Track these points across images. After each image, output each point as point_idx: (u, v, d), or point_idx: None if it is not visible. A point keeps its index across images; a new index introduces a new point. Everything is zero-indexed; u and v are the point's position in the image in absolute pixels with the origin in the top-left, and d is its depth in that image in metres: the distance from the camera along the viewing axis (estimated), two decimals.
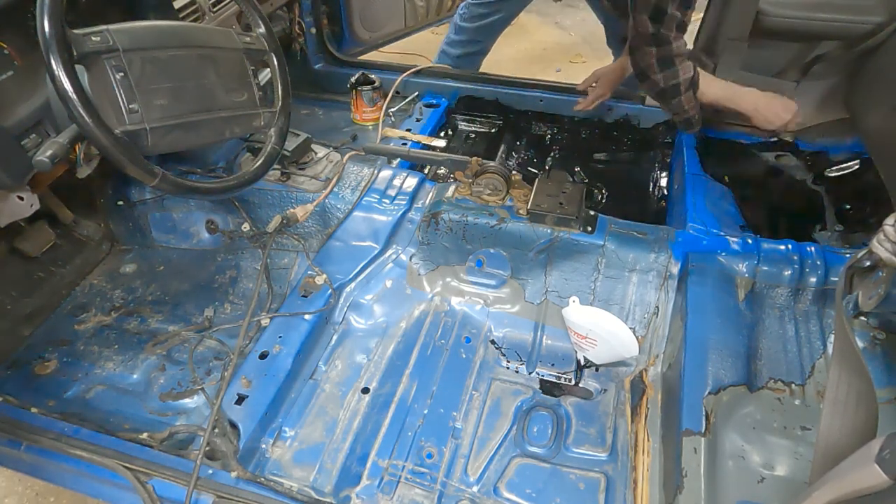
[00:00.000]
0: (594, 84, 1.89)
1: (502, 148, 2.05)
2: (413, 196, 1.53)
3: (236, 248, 1.66)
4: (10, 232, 1.44)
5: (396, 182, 1.56)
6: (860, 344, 1.23)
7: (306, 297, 1.37)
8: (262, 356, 1.24)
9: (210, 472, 1.05)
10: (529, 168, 2.09)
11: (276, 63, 1.28)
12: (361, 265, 1.47)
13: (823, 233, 1.66)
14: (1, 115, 1.03)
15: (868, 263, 0.99)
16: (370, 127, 1.97)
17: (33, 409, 1.17)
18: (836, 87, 1.65)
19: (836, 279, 1.18)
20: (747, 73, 1.67)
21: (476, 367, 1.36)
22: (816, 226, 1.69)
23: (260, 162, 1.25)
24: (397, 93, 2.06)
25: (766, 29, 1.55)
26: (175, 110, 1.05)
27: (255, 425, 1.14)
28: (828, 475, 0.66)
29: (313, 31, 2.15)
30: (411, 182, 1.55)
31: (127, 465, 1.05)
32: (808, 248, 1.33)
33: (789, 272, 1.31)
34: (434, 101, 2.04)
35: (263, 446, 1.17)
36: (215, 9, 1.60)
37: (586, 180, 2.03)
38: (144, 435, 1.16)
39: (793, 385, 1.16)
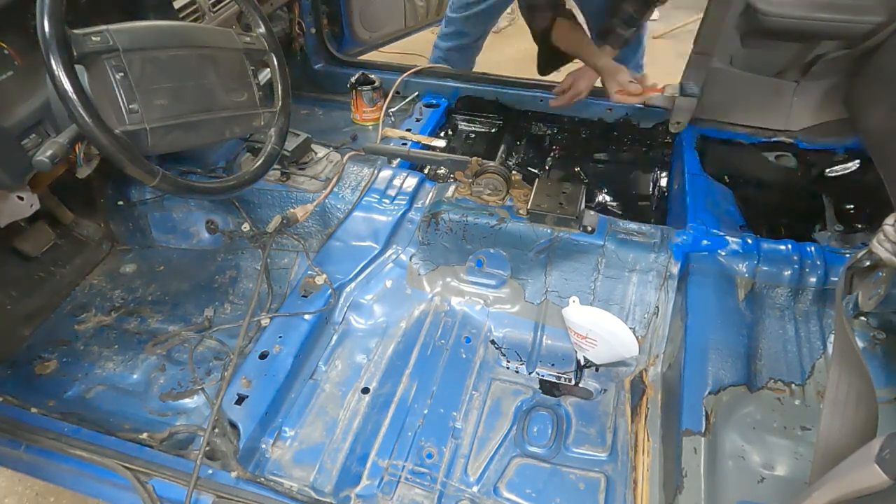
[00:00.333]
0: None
1: (502, 148, 2.05)
2: (413, 196, 1.53)
3: (236, 248, 1.66)
4: (10, 232, 1.44)
5: (396, 182, 1.56)
6: (860, 344, 1.23)
7: (306, 297, 1.37)
8: (262, 356, 1.24)
9: (210, 472, 1.05)
10: (529, 168, 2.09)
11: (276, 63, 1.28)
12: (361, 265, 1.47)
13: (823, 233, 1.66)
14: (1, 115, 1.03)
15: (868, 263, 1.00)
16: (370, 127, 1.97)
17: (33, 409, 1.17)
18: (836, 87, 1.65)
19: (836, 279, 1.19)
20: (747, 73, 1.67)
21: (476, 367, 1.36)
22: (816, 226, 1.69)
23: (260, 162, 1.25)
24: (397, 93, 2.06)
25: (765, 29, 1.55)
26: (175, 110, 1.05)
27: (255, 425, 1.14)
28: (828, 475, 0.66)
29: (313, 31, 2.15)
30: (411, 182, 1.55)
31: (127, 465, 1.05)
32: (808, 248, 1.33)
33: (789, 272, 1.31)
34: (434, 101, 2.04)
35: (263, 446, 1.17)
36: (215, 9, 1.60)
37: (586, 180, 2.03)
38: (144, 435, 1.16)
39: (793, 385, 1.16)
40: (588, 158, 2.08)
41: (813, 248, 1.33)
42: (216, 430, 1.12)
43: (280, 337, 1.28)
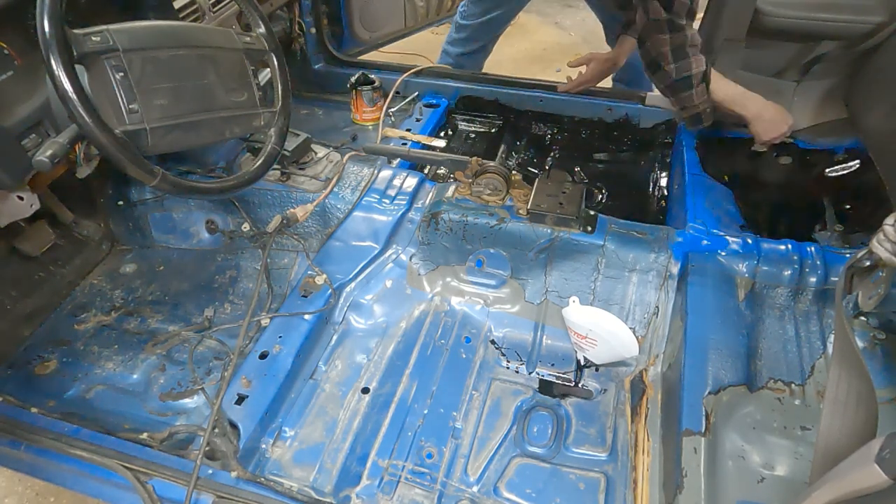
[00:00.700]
0: (582, 69, 1.91)
1: (502, 148, 2.05)
2: (413, 196, 1.53)
3: (236, 248, 1.66)
4: (10, 232, 1.44)
5: (396, 182, 1.56)
6: (860, 344, 1.23)
7: (306, 297, 1.37)
8: (262, 356, 1.24)
9: (210, 472, 1.05)
10: (529, 168, 2.09)
11: (276, 63, 1.28)
12: (361, 265, 1.47)
13: (823, 233, 1.66)
14: (1, 115, 1.03)
15: (868, 263, 1.00)
16: (370, 127, 1.97)
17: (33, 409, 1.17)
18: (836, 87, 1.65)
19: (836, 279, 1.18)
20: (747, 73, 1.66)
21: (476, 367, 1.36)
22: (816, 226, 1.69)
23: (260, 162, 1.25)
24: (397, 93, 2.06)
25: (765, 29, 1.55)
26: (175, 110, 1.05)
27: (255, 425, 1.14)
28: (828, 475, 0.66)
29: (313, 31, 2.14)
30: (411, 182, 1.55)
31: (127, 465, 1.05)
32: (808, 248, 1.33)
33: (789, 272, 1.31)
34: (434, 102, 2.04)
35: (263, 446, 1.17)
36: (215, 9, 1.60)
37: (586, 180, 2.02)
38: (144, 435, 1.16)
39: (793, 385, 1.16)
40: (588, 158, 2.08)
41: (813, 248, 1.33)
42: (216, 430, 1.11)
43: (280, 337, 1.28)
